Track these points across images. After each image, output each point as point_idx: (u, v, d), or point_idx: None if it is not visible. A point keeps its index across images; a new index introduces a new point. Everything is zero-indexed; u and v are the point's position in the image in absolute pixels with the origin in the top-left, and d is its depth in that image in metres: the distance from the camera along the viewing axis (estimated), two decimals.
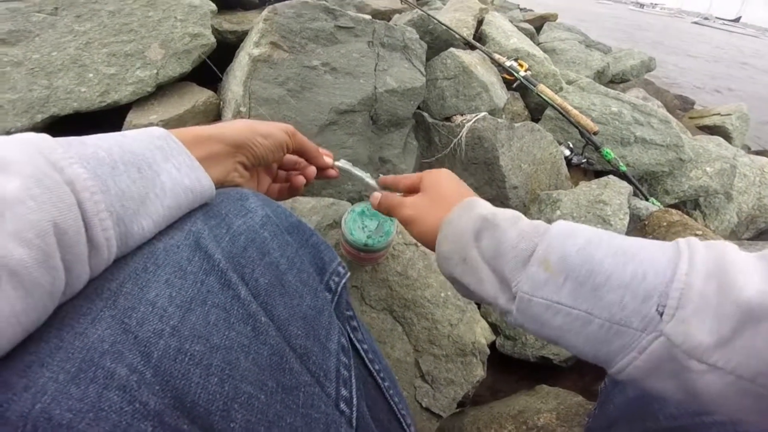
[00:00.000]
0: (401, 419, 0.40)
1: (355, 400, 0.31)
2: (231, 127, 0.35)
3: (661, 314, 0.25)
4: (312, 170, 0.47)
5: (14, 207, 0.18)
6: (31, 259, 0.18)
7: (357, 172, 0.50)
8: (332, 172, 0.48)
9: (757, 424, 0.24)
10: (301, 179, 0.46)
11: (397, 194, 0.47)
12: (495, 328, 0.84)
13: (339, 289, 0.36)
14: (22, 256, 0.18)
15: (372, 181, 0.49)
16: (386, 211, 0.45)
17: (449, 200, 0.38)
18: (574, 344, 0.28)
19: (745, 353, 0.22)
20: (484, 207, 0.36)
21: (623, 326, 0.26)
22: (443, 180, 0.42)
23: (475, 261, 0.33)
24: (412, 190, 0.46)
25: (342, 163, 0.50)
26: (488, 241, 0.33)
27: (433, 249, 0.38)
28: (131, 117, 0.83)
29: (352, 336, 0.37)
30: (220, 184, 0.34)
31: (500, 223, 0.33)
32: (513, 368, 0.86)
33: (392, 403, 0.39)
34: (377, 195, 0.47)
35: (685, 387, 0.25)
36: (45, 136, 0.22)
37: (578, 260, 0.28)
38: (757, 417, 0.23)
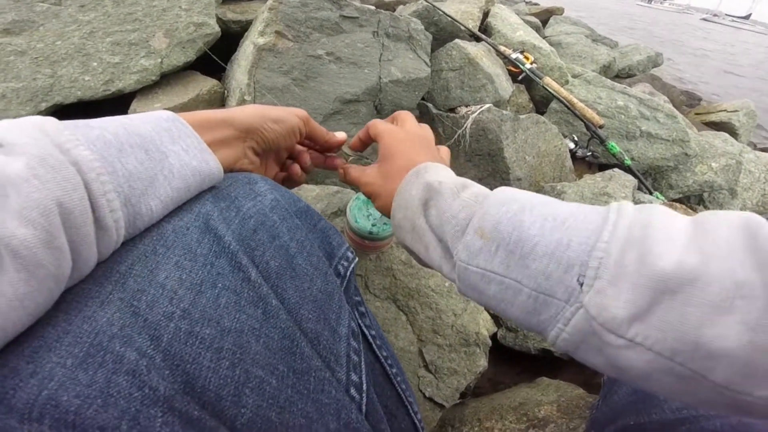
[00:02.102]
0: (408, 406, 0.40)
1: (364, 386, 0.31)
2: (242, 112, 0.35)
3: (581, 284, 0.24)
4: (316, 156, 0.45)
5: (18, 186, 0.18)
6: (35, 239, 0.18)
7: (359, 154, 0.49)
8: (339, 161, 0.46)
9: (688, 403, 0.23)
10: (296, 168, 0.44)
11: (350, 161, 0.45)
12: (497, 319, 0.85)
13: (348, 273, 0.36)
14: (25, 235, 0.17)
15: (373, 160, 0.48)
16: (350, 182, 0.44)
17: (404, 169, 0.37)
18: (510, 313, 0.28)
19: (662, 327, 0.21)
20: (434, 173, 0.35)
21: (549, 296, 0.25)
22: (399, 146, 0.40)
23: (422, 229, 0.33)
24: (367, 143, 0.44)
25: (359, 153, 0.49)
26: (434, 210, 0.32)
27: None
28: (135, 105, 0.83)
29: (360, 321, 0.37)
30: (229, 169, 0.33)
31: (444, 191, 0.32)
32: (514, 360, 0.86)
33: (399, 390, 0.39)
34: (340, 169, 0.45)
35: (610, 362, 0.23)
36: (51, 119, 0.21)
37: (509, 227, 0.27)
38: (685, 397, 0.22)
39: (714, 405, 0.22)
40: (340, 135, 0.46)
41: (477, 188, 0.33)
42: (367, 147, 0.47)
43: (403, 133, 0.41)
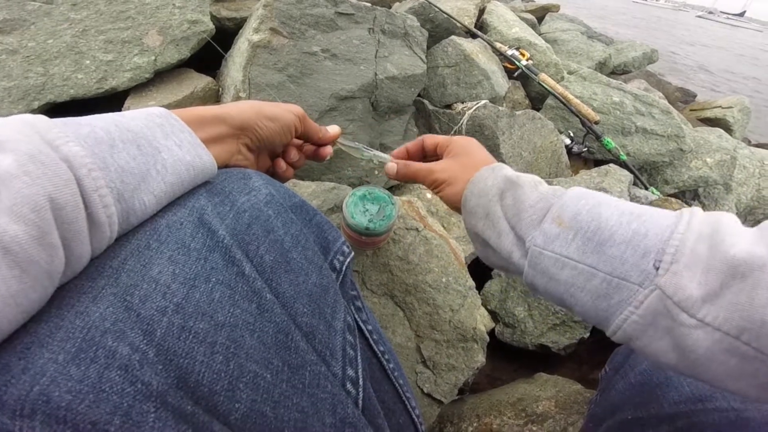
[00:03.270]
0: (406, 402, 0.40)
1: (361, 380, 0.31)
2: (236, 108, 0.34)
3: (657, 269, 0.26)
4: (307, 148, 0.45)
5: (7, 182, 0.17)
6: (26, 236, 0.17)
7: (356, 145, 0.49)
8: (328, 149, 0.46)
9: (742, 390, 0.24)
10: (281, 163, 0.43)
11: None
12: (494, 315, 0.85)
13: (344, 268, 0.36)
14: (16, 232, 0.17)
15: (384, 155, 0.49)
16: (410, 178, 0.46)
17: (483, 162, 0.40)
18: (578, 299, 0.29)
19: (731, 308, 0.23)
20: (510, 170, 0.38)
21: (623, 280, 0.27)
22: (474, 147, 0.43)
23: (496, 216, 0.35)
24: (434, 152, 0.47)
25: (348, 142, 0.48)
26: (510, 200, 0.35)
27: (457, 207, 0.40)
28: (129, 103, 0.82)
29: (356, 316, 0.37)
30: (223, 166, 0.33)
31: (523, 184, 0.35)
32: (511, 356, 0.86)
33: (397, 385, 0.39)
34: (392, 165, 0.46)
35: (677, 344, 0.25)
36: (41, 117, 0.21)
37: (587, 218, 0.29)
38: (744, 381, 0.24)
39: None
40: (334, 129, 0.46)
41: (552, 186, 0.35)
42: (410, 158, 0.48)
43: (475, 140, 0.45)
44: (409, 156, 0.49)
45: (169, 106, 0.81)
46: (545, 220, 0.31)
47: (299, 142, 0.44)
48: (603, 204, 0.30)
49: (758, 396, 0.24)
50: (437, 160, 0.46)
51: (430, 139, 0.47)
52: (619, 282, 0.27)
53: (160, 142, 0.26)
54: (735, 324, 0.23)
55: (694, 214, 0.27)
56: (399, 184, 0.92)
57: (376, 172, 0.87)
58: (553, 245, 0.30)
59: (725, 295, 0.23)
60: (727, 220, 0.26)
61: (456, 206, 0.41)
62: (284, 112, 0.38)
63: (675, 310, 0.25)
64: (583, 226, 0.29)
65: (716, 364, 0.24)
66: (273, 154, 0.43)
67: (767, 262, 0.22)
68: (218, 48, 0.91)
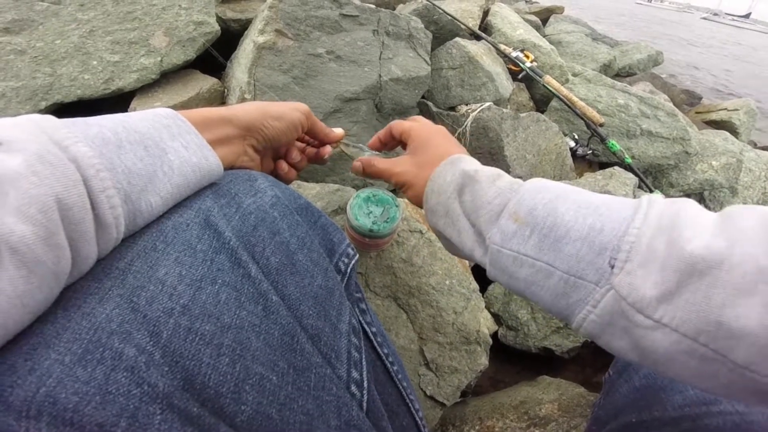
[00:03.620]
0: (409, 404, 0.40)
1: (365, 383, 0.31)
2: (242, 109, 0.35)
3: (612, 267, 0.25)
4: (309, 151, 0.45)
5: (16, 183, 0.18)
6: (34, 236, 0.18)
7: (358, 146, 0.49)
8: (328, 148, 0.46)
9: (707, 389, 0.23)
10: (283, 165, 0.43)
11: (376, 155, 0.47)
12: (497, 318, 0.84)
13: (348, 270, 0.36)
14: (24, 232, 0.17)
15: (374, 153, 0.48)
16: (375, 176, 0.45)
17: (440, 158, 0.38)
18: (539, 297, 0.29)
19: (688, 309, 0.22)
20: (468, 163, 0.36)
21: (579, 279, 0.26)
22: (432, 137, 0.42)
23: (456, 214, 0.34)
24: (395, 142, 0.45)
25: (352, 144, 0.48)
26: (468, 196, 0.34)
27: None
28: (135, 104, 0.82)
29: (361, 318, 0.37)
30: (229, 167, 0.33)
31: (480, 179, 0.34)
32: (514, 359, 0.86)
33: (401, 387, 0.39)
34: (357, 163, 0.46)
35: (636, 344, 0.24)
36: (49, 117, 0.21)
37: (543, 213, 0.28)
38: (706, 381, 0.23)
39: (734, 389, 0.22)
40: (339, 131, 0.46)
41: (510, 178, 0.34)
42: (386, 147, 0.48)
43: (433, 127, 0.43)
44: (381, 144, 0.48)
45: (174, 107, 0.81)
46: (502, 216, 0.31)
47: (302, 145, 0.45)
48: (560, 197, 0.29)
49: (727, 395, 0.23)
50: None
51: (397, 127, 0.45)
52: (576, 281, 0.26)
53: (167, 144, 0.26)
54: (692, 325, 0.22)
55: (652, 203, 0.26)
56: None
57: None
58: (511, 243, 0.29)
59: (682, 294, 0.22)
60: (688, 210, 0.25)
61: (420, 205, 0.40)
62: (290, 110, 0.38)
63: (630, 312, 0.24)
64: (539, 222, 0.28)
65: (678, 365, 0.23)
66: (276, 155, 0.43)
67: (725, 258, 0.21)
68: (217, 55, 0.91)
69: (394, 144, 0.48)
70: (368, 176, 0.45)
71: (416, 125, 0.43)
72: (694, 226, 0.23)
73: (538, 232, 0.28)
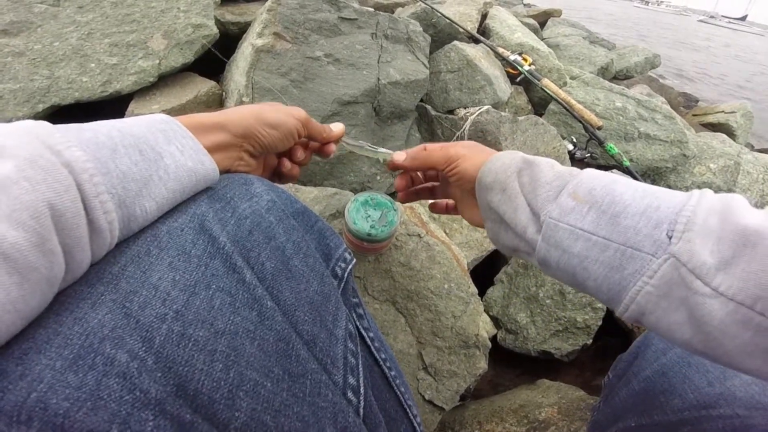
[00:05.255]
0: (407, 410, 0.39)
1: (362, 388, 0.31)
2: (237, 116, 0.34)
3: (670, 238, 0.26)
4: (314, 145, 0.45)
5: (7, 188, 0.17)
6: (26, 242, 0.17)
7: (360, 143, 0.48)
8: (332, 147, 0.46)
9: (756, 369, 0.24)
10: (286, 163, 0.43)
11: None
12: (497, 321, 0.84)
13: (345, 275, 0.36)
14: (16, 239, 0.17)
15: (388, 152, 0.48)
16: (420, 165, 0.45)
17: (491, 153, 0.41)
18: (591, 272, 0.29)
19: (744, 277, 0.23)
20: (525, 154, 0.39)
21: (636, 250, 0.27)
22: (481, 144, 0.45)
23: (513, 192, 0.36)
24: (440, 156, 0.45)
25: (352, 140, 0.48)
26: (527, 178, 0.35)
27: (470, 186, 0.41)
28: (133, 107, 0.82)
29: (358, 324, 0.37)
30: (225, 172, 0.33)
31: (540, 163, 0.36)
32: (514, 362, 0.86)
33: (399, 393, 0.39)
34: (400, 153, 0.46)
35: (691, 314, 0.25)
36: (42, 122, 0.21)
37: (602, 192, 0.30)
38: (757, 358, 0.23)
39: None
40: (338, 128, 0.46)
41: (567, 167, 0.36)
42: (415, 168, 0.47)
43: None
44: (410, 158, 0.47)
45: (172, 110, 0.82)
46: (561, 194, 0.32)
47: (304, 141, 0.44)
48: (617, 182, 0.31)
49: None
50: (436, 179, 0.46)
51: (433, 145, 0.46)
52: (632, 252, 0.27)
53: (163, 147, 0.26)
54: (749, 293, 0.22)
55: (704, 192, 0.28)
56: None
57: (378, 178, 0.87)
58: (568, 218, 0.31)
59: (738, 263, 0.23)
60: (738, 199, 0.27)
61: (470, 181, 0.41)
62: (286, 117, 0.38)
63: (690, 278, 0.24)
64: (598, 200, 0.30)
65: (729, 338, 0.24)
66: (273, 157, 0.43)
67: None
68: (219, 55, 0.92)
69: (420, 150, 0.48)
70: (410, 168, 0.46)
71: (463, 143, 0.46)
72: (746, 207, 0.25)
73: (597, 208, 0.30)
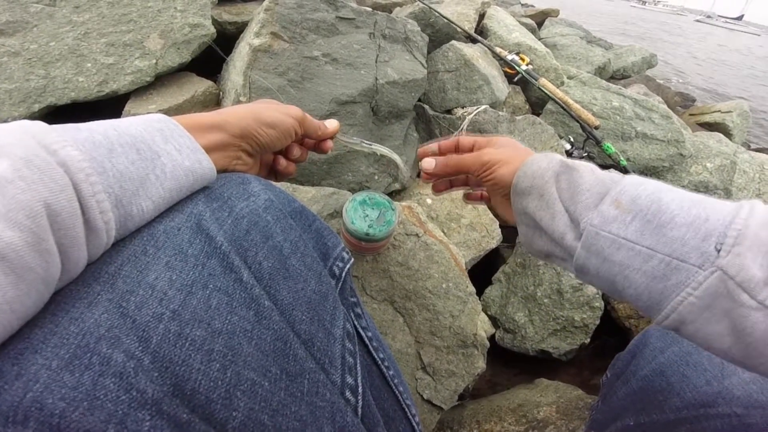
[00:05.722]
0: (406, 409, 0.39)
1: (360, 388, 0.31)
2: (234, 115, 0.34)
3: (719, 251, 0.26)
4: (310, 142, 0.45)
5: (2, 188, 0.17)
6: (22, 242, 0.17)
7: (354, 140, 0.47)
8: (329, 143, 0.45)
9: None
10: (281, 161, 0.43)
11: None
12: (495, 321, 0.84)
13: (343, 274, 0.36)
14: (12, 239, 0.17)
15: (384, 148, 0.47)
16: (453, 169, 0.44)
17: (529, 155, 0.39)
18: (632, 281, 0.29)
19: None
20: (563, 156, 0.38)
21: (682, 261, 0.27)
22: (518, 142, 0.43)
23: (551, 198, 0.35)
24: (469, 150, 0.45)
25: (347, 137, 0.47)
26: (565, 183, 0.34)
27: (506, 191, 0.39)
28: (129, 107, 0.82)
29: (356, 323, 0.37)
30: (222, 171, 0.33)
31: (579, 168, 0.35)
32: (512, 362, 0.86)
33: (397, 392, 0.39)
34: (430, 160, 0.44)
35: (734, 326, 0.25)
36: (39, 122, 0.21)
37: (647, 201, 0.29)
38: None
39: None
40: (332, 124, 0.45)
41: (608, 172, 0.35)
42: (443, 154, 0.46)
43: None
44: (441, 152, 0.47)
45: (169, 110, 0.82)
46: (603, 202, 0.31)
47: (301, 138, 0.44)
48: (663, 190, 0.30)
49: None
50: None
51: (466, 139, 0.45)
52: (678, 263, 0.27)
53: (160, 147, 0.26)
54: None
55: (755, 203, 0.28)
56: (399, 189, 0.92)
57: (376, 177, 0.87)
58: (611, 226, 0.30)
59: None
60: None
61: (506, 187, 0.39)
62: (283, 116, 0.38)
63: (737, 291, 0.25)
64: (643, 209, 0.29)
65: None
66: (269, 156, 0.43)
67: None
68: (219, 51, 0.91)
69: (451, 154, 0.46)
70: (441, 173, 0.44)
71: (497, 136, 0.44)
72: None
73: (641, 218, 0.29)
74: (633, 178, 0.32)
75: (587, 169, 0.35)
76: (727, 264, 0.25)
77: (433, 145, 0.47)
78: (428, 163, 0.45)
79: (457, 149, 0.46)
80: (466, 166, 0.43)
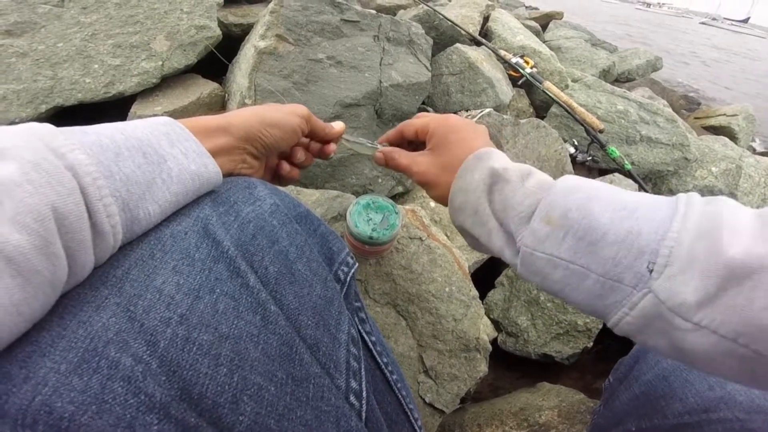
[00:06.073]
0: (409, 413, 0.39)
1: (364, 393, 0.31)
2: (239, 118, 0.34)
3: (651, 271, 0.25)
4: (313, 147, 0.45)
5: (10, 191, 0.17)
6: (30, 245, 0.17)
7: (360, 141, 0.48)
8: (332, 146, 0.45)
9: (746, 385, 0.25)
10: (285, 165, 0.43)
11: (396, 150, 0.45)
12: (497, 324, 0.84)
13: (348, 279, 0.36)
14: (19, 242, 0.17)
15: (376, 145, 0.48)
16: (395, 169, 0.44)
17: (460, 159, 0.37)
18: (573, 298, 0.29)
19: (728, 312, 0.22)
20: (497, 159, 0.35)
21: (616, 282, 0.26)
22: (453, 134, 0.40)
23: (485, 214, 0.34)
24: (416, 138, 0.44)
25: (352, 138, 0.48)
26: (498, 195, 0.33)
27: (447, 206, 0.38)
28: (136, 108, 0.83)
29: (360, 327, 0.37)
30: (228, 175, 0.33)
31: (510, 177, 0.33)
32: (514, 365, 0.86)
33: (400, 396, 0.39)
34: (379, 154, 0.44)
35: (674, 345, 0.25)
36: (46, 125, 0.21)
37: (578, 215, 0.28)
38: (745, 379, 0.24)
39: None
40: (339, 126, 0.45)
41: (540, 175, 0.34)
42: (410, 138, 0.45)
43: (453, 120, 0.41)
44: (392, 145, 0.46)
45: (175, 112, 0.82)
46: (534, 218, 0.30)
47: (306, 141, 0.44)
48: (593, 198, 0.29)
49: (760, 387, 0.24)
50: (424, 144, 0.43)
51: (410, 127, 0.44)
52: (612, 284, 0.26)
53: (166, 150, 0.26)
54: (732, 328, 0.22)
55: (690, 205, 0.26)
56: (402, 192, 0.92)
57: (380, 180, 0.87)
58: (544, 246, 0.29)
59: (722, 297, 0.23)
60: (727, 211, 0.25)
61: (444, 204, 0.39)
62: (288, 116, 0.38)
63: (669, 315, 0.24)
64: (574, 225, 0.28)
65: (716, 363, 0.24)
66: (280, 155, 0.43)
67: (766, 264, 0.22)
68: (221, 57, 0.92)
69: (402, 145, 0.46)
70: (389, 167, 0.44)
71: (434, 121, 0.41)
72: (734, 228, 0.24)
73: (573, 234, 0.28)
74: (564, 183, 0.31)
75: (519, 177, 0.33)
76: (658, 288, 0.24)
77: (384, 137, 0.47)
78: (378, 159, 0.45)
79: (404, 137, 0.46)
80: (408, 174, 0.43)
